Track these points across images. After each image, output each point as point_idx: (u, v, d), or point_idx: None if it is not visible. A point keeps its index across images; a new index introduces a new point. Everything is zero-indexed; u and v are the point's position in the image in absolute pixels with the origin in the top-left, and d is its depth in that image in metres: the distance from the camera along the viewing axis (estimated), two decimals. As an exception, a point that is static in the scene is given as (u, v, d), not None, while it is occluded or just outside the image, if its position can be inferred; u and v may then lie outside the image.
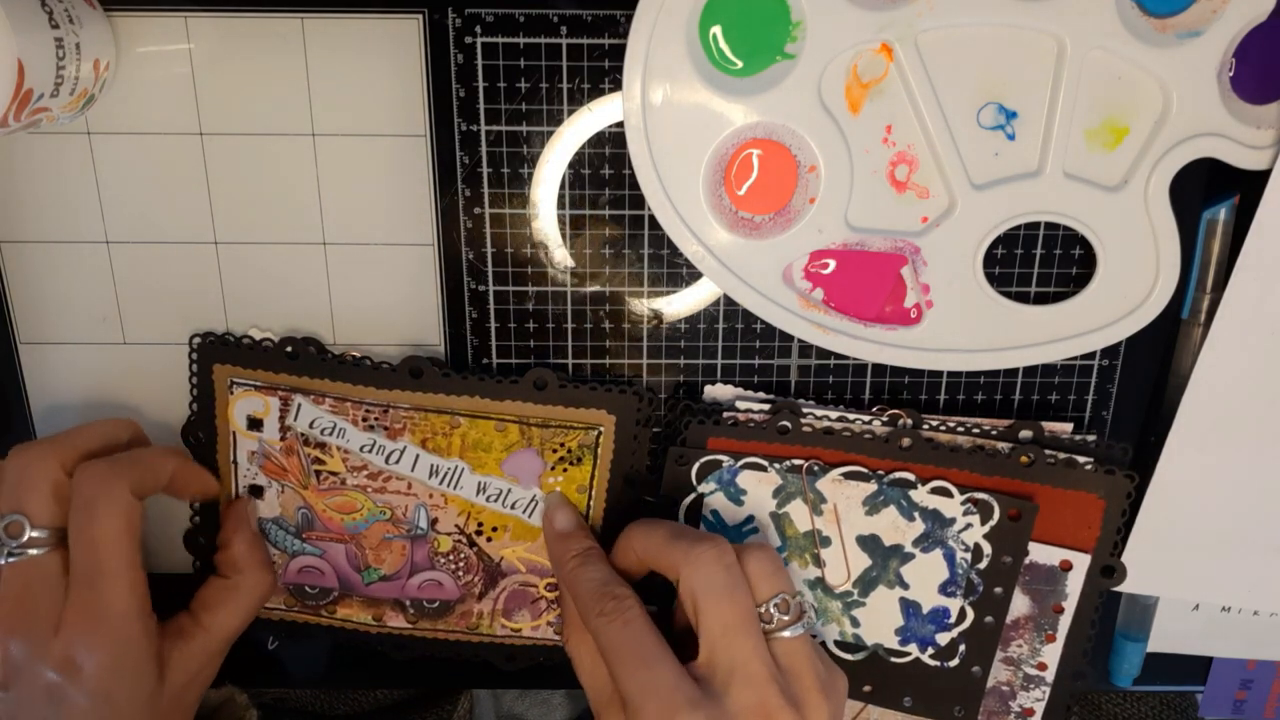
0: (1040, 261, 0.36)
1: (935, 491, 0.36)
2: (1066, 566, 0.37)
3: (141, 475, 0.32)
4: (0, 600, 0.31)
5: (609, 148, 0.34)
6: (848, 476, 0.36)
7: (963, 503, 0.36)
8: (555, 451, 0.37)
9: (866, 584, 0.37)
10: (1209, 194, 0.35)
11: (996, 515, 0.36)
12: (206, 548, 0.38)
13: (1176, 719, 0.44)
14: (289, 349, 0.36)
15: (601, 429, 0.36)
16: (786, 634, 0.30)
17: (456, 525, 0.38)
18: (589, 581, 0.32)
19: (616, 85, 0.34)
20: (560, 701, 0.50)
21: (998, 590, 0.37)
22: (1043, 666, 0.39)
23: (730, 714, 0.28)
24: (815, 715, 0.29)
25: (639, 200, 0.35)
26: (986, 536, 0.36)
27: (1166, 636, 0.41)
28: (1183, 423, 0.36)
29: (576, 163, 0.35)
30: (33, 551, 0.31)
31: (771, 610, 0.30)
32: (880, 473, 0.36)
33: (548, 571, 0.38)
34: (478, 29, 0.33)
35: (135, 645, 0.31)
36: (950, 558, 0.37)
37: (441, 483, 0.37)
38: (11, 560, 0.31)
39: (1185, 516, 0.37)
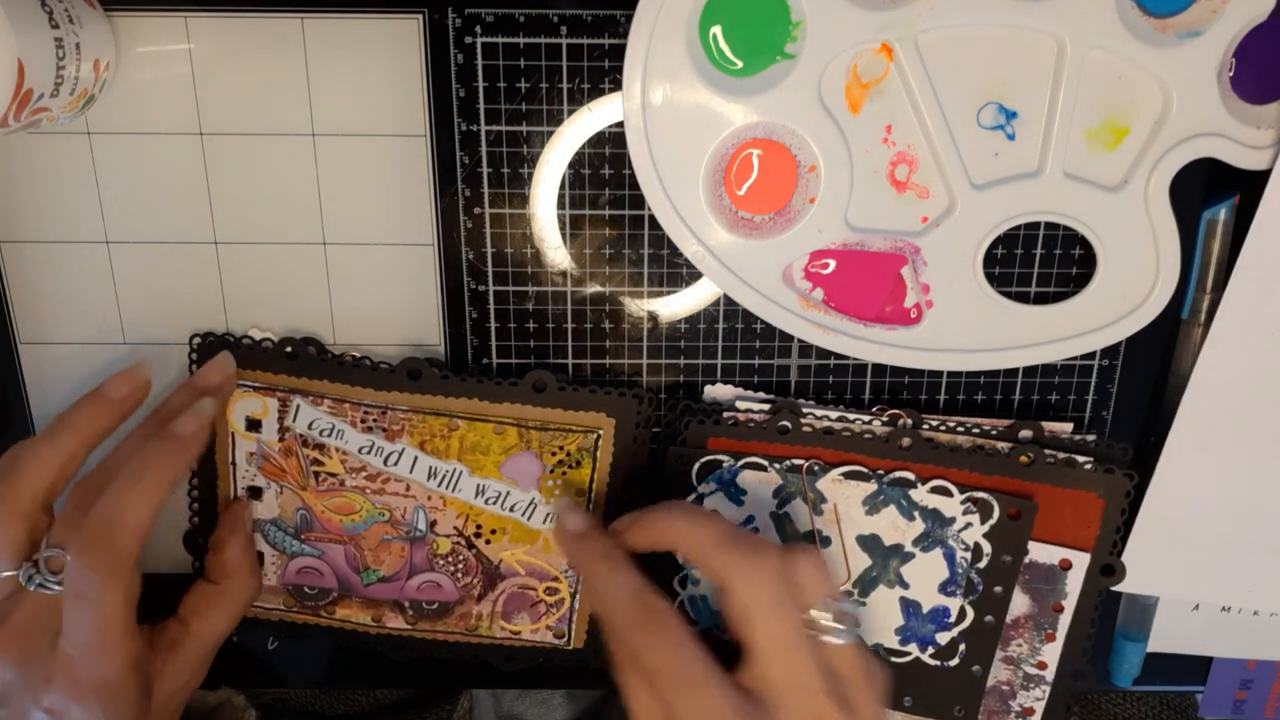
0: (1040, 261, 0.36)
1: (935, 491, 0.36)
2: (1066, 565, 0.38)
3: (144, 537, 0.31)
4: (11, 624, 0.31)
5: (609, 148, 0.35)
6: (848, 476, 0.36)
7: (962, 502, 0.36)
8: (554, 454, 0.37)
9: (866, 584, 0.38)
10: (1209, 194, 0.35)
11: (996, 514, 0.37)
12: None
13: (1176, 719, 0.44)
14: (288, 349, 0.36)
15: (601, 432, 0.37)
16: (837, 640, 0.30)
17: (455, 527, 0.38)
18: (621, 589, 0.31)
19: (616, 85, 0.34)
20: (560, 702, 0.51)
21: (998, 589, 0.37)
22: (1042, 666, 0.39)
23: None
24: (868, 717, 0.30)
25: (639, 200, 0.35)
26: (986, 536, 0.37)
27: (1166, 636, 0.41)
28: (1183, 423, 0.36)
29: (576, 163, 0.35)
30: (60, 588, 0.31)
31: (821, 618, 0.30)
32: (880, 472, 0.36)
33: (547, 575, 0.39)
34: (478, 29, 0.33)
35: (124, 699, 0.31)
36: (950, 557, 0.37)
37: (440, 485, 0.37)
38: (39, 590, 0.31)
39: (1185, 516, 0.37)
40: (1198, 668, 0.43)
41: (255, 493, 0.38)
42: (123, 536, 0.30)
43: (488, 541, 0.38)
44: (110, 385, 0.34)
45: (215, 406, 0.34)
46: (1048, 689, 0.39)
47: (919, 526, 0.37)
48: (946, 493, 0.36)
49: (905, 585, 0.37)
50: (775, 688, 0.29)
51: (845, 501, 0.37)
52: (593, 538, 0.34)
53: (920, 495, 0.36)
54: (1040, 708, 0.39)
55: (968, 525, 0.37)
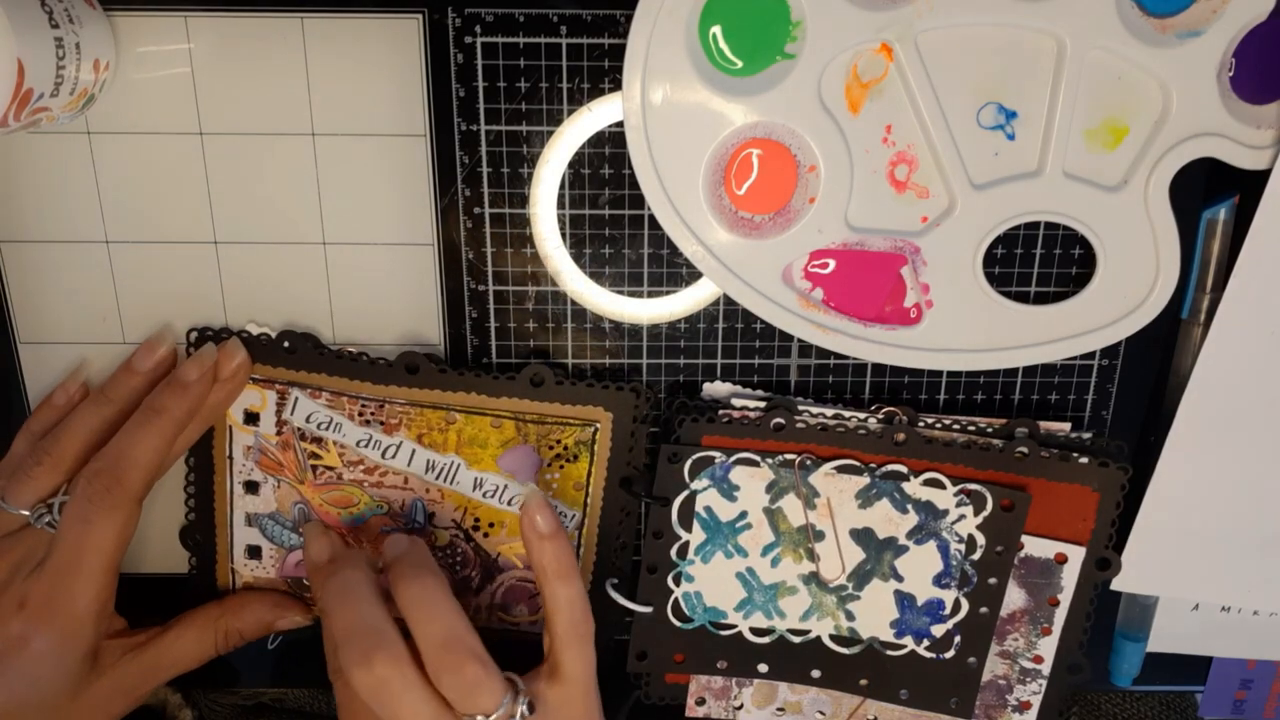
0: (1040, 261, 0.39)
1: (928, 484, 0.39)
2: (1061, 559, 0.41)
3: (152, 480, 0.36)
4: (5, 559, 0.36)
5: (609, 148, 0.38)
6: (840, 470, 0.39)
7: (955, 494, 0.39)
8: (551, 448, 0.40)
9: (861, 577, 0.41)
10: (1209, 194, 0.38)
11: (989, 506, 0.40)
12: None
13: (1176, 719, 0.47)
14: (286, 343, 0.39)
15: (598, 426, 0.40)
16: None
17: (453, 520, 0.41)
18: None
19: (616, 85, 0.37)
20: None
21: (992, 581, 0.41)
22: (1039, 660, 0.42)
23: None
24: None
25: (639, 200, 0.38)
26: (980, 527, 0.40)
27: (1166, 636, 0.44)
28: (1183, 423, 0.39)
29: (576, 163, 0.38)
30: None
31: None
32: (872, 465, 0.39)
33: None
34: (478, 29, 0.36)
35: (82, 643, 0.36)
36: (944, 549, 0.40)
37: (438, 478, 0.40)
38: (45, 528, 0.36)
39: (1185, 516, 0.40)
40: (1198, 668, 0.46)
41: (252, 487, 0.41)
42: (127, 470, 0.35)
43: (486, 534, 0.41)
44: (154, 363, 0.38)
45: (214, 353, 0.38)
46: (1044, 683, 0.43)
47: (912, 519, 0.40)
48: (939, 485, 0.39)
49: (899, 578, 0.41)
50: None
51: (838, 496, 0.40)
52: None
53: (913, 488, 0.40)
54: (1037, 701, 0.43)
55: (961, 517, 0.40)
